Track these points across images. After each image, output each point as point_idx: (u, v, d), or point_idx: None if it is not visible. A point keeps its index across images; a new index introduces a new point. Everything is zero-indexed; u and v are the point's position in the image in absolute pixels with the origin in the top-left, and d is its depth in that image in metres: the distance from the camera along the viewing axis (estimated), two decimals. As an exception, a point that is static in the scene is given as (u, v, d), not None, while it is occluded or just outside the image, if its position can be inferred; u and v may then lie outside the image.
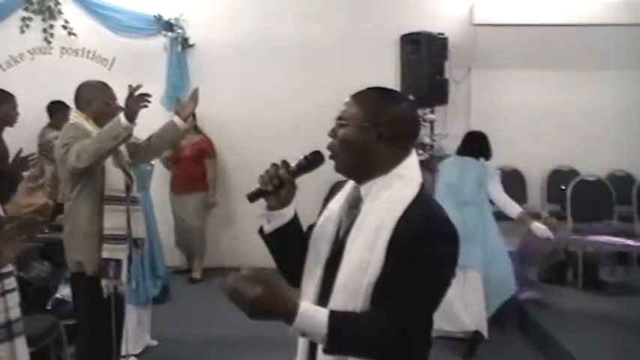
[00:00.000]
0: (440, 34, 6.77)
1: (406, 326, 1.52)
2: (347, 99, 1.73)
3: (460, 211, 4.48)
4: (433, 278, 1.57)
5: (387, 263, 1.56)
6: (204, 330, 5.07)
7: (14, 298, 2.20)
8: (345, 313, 1.59)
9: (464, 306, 4.56)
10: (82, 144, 3.16)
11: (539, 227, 4.64)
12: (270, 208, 1.74)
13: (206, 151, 6.65)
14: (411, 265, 1.54)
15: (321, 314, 1.52)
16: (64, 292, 4.29)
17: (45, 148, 5.85)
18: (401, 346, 1.54)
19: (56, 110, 6.12)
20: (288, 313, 1.49)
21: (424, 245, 1.54)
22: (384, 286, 1.56)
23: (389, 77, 6.58)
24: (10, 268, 2.17)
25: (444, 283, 1.62)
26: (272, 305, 1.49)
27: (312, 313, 1.51)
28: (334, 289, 1.62)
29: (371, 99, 1.71)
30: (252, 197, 1.75)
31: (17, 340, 2.20)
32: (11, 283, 2.19)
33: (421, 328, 1.60)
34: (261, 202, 1.76)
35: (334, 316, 1.52)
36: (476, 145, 4.88)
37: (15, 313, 2.19)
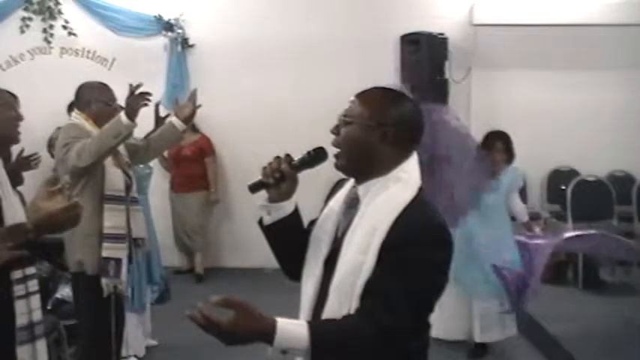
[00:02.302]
0: (440, 34, 6.77)
1: (389, 329, 1.51)
2: (352, 97, 1.73)
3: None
4: (420, 283, 1.55)
5: (377, 266, 1.56)
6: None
7: (37, 300, 2.20)
8: (324, 321, 1.59)
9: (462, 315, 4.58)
10: (83, 143, 3.17)
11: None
12: (271, 200, 1.75)
13: (206, 149, 6.67)
14: (399, 269, 1.54)
15: (301, 328, 1.48)
16: (64, 292, 4.29)
17: None
18: (385, 349, 1.52)
19: None
20: (265, 332, 1.44)
21: (413, 250, 1.55)
22: (370, 288, 1.55)
23: (389, 77, 6.57)
24: (33, 270, 2.17)
25: (433, 289, 1.62)
26: (248, 328, 1.43)
27: (291, 328, 1.47)
28: (330, 289, 1.63)
29: (377, 99, 1.71)
30: (254, 188, 1.76)
31: (38, 343, 2.19)
32: (34, 285, 2.18)
33: (409, 332, 1.57)
34: (262, 195, 1.76)
35: (314, 327, 1.50)
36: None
37: (37, 315, 2.19)
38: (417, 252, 1.55)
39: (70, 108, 6.25)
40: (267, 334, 1.44)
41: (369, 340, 1.51)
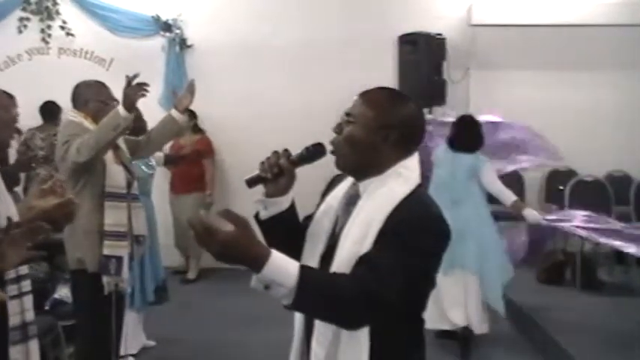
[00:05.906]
0: (438, 34, 6.77)
1: (373, 295, 1.49)
2: (355, 97, 1.73)
3: (453, 211, 4.45)
4: (413, 263, 1.55)
5: (373, 247, 1.57)
6: (201, 330, 5.07)
7: (29, 301, 2.19)
8: (316, 270, 1.60)
9: (455, 302, 4.55)
10: (82, 138, 3.16)
11: (531, 213, 4.63)
12: (268, 195, 1.76)
13: (204, 151, 6.66)
14: (393, 249, 1.54)
15: (292, 265, 1.46)
16: (63, 292, 4.29)
17: None
18: (365, 314, 1.52)
19: (56, 110, 6.17)
20: (259, 256, 1.42)
21: (410, 236, 1.55)
22: (362, 259, 1.55)
23: (387, 77, 6.58)
24: (26, 270, 2.16)
25: (424, 275, 1.62)
26: (243, 246, 1.40)
27: (283, 262, 1.45)
28: None
29: (381, 100, 1.71)
30: (251, 183, 1.78)
31: (31, 343, 2.19)
32: (27, 285, 2.17)
33: (396, 310, 1.54)
34: (259, 190, 1.77)
35: (306, 269, 1.48)
36: (468, 135, 4.70)
37: (30, 315, 2.18)
38: (414, 238, 1.55)
39: (42, 110, 6.33)
40: (259, 258, 1.42)
41: (352, 299, 1.49)
